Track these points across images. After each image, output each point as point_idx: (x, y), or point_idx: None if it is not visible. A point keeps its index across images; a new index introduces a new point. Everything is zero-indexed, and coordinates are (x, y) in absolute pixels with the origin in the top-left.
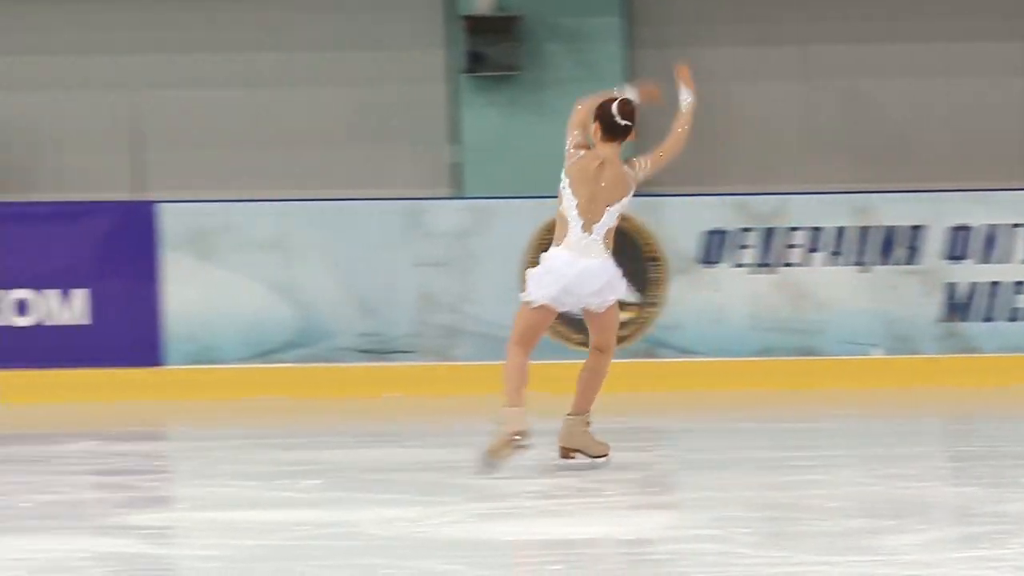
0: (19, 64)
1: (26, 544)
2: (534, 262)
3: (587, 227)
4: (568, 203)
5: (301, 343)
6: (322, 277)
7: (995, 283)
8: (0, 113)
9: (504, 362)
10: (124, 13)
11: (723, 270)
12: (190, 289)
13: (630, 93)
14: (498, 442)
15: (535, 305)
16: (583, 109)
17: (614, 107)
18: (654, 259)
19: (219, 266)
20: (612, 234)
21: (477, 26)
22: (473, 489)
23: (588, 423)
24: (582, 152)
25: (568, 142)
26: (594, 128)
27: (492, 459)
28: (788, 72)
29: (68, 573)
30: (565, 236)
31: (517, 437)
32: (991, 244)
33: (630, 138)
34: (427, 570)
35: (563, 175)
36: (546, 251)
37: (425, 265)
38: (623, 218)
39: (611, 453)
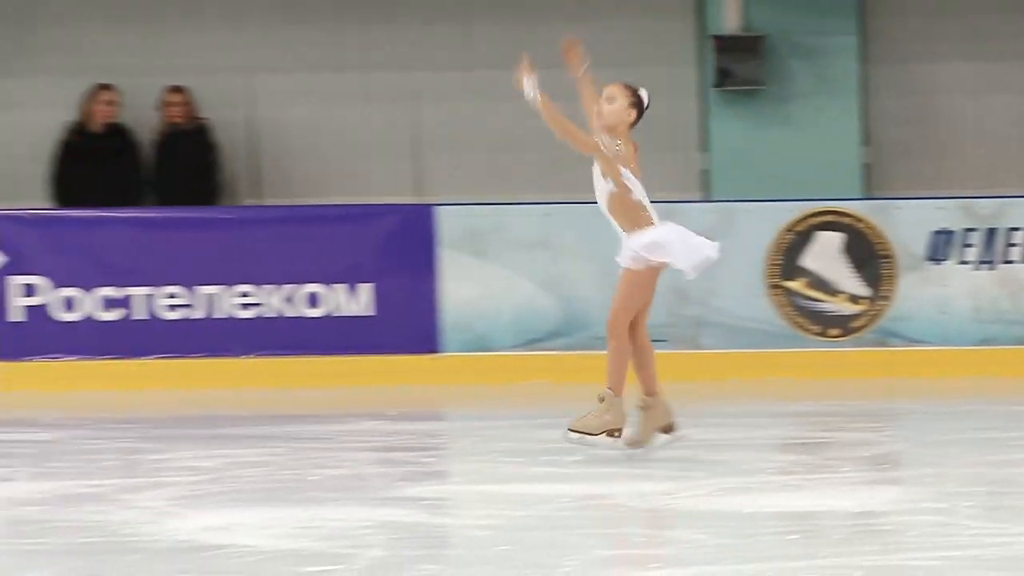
0: (313, 80)
1: (314, 513)
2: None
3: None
4: (638, 189)
5: (564, 332)
6: (583, 272)
7: None
8: (295, 124)
9: (616, 346)
10: (405, 34)
11: (949, 267)
12: (465, 284)
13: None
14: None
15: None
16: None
17: (646, 97)
18: (886, 257)
19: (491, 263)
20: None
21: (725, 45)
22: (719, 465)
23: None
24: (619, 142)
25: (600, 142)
26: (633, 117)
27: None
28: (1012, 85)
29: (352, 540)
30: (650, 217)
31: (617, 433)
32: None
33: None
34: (676, 538)
35: (621, 168)
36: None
37: None
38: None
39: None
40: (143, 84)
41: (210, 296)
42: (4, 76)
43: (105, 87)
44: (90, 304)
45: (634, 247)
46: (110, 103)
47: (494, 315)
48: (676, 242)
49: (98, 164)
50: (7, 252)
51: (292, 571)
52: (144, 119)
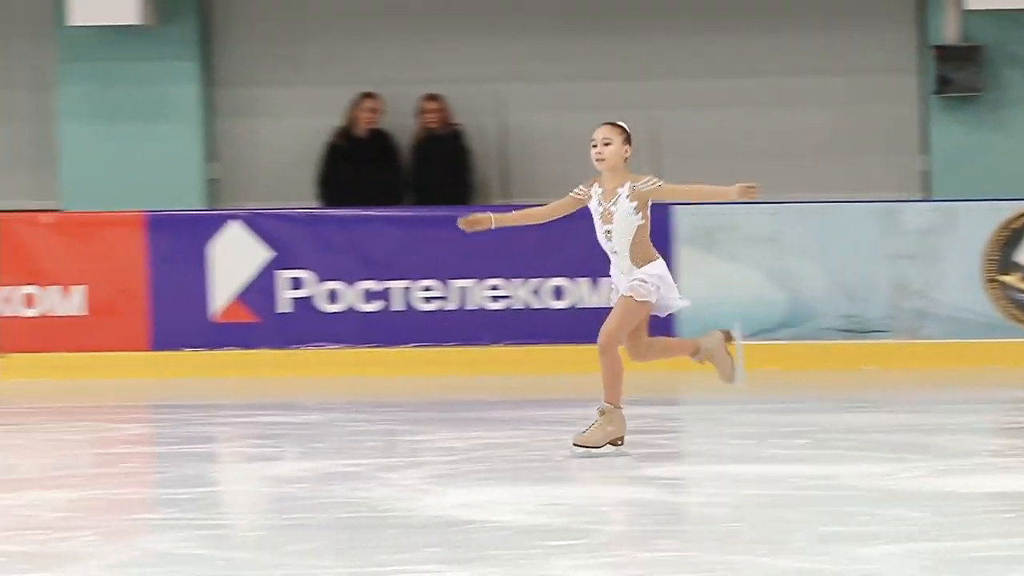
0: (558, 90)
1: (559, 491)
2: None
3: None
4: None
5: (791, 323)
6: (809, 267)
7: None
8: (541, 130)
9: (608, 362)
10: (642, 46)
11: None
12: (698, 277)
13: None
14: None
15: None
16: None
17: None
18: None
19: (723, 258)
20: None
21: (945, 54)
22: (935, 448)
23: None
24: (657, 181)
25: (637, 183)
26: (630, 152)
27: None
28: None
29: (594, 516)
30: (655, 252)
31: (620, 441)
32: None
33: None
34: (896, 517)
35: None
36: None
37: (898, 257)
38: None
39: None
40: (403, 93)
41: (463, 289)
42: (277, 86)
43: (369, 95)
44: (352, 296)
45: (644, 279)
46: (373, 110)
47: (726, 306)
48: (668, 280)
49: (361, 166)
50: (275, 248)
51: (538, 545)
52: (404, 125)
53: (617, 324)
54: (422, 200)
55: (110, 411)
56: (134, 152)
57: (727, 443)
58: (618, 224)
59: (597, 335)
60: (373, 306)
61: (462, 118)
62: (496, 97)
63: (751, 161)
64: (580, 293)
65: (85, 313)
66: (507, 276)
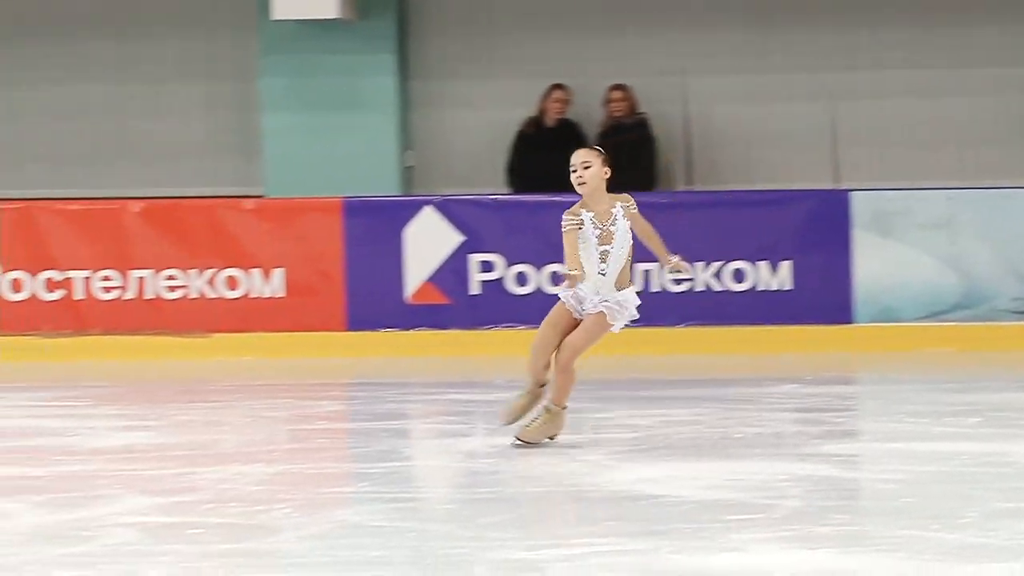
0: (740, 81)
1: (738, 467)
2: None
3: None
4: None
5: (965, 305)
6: (983, 251)
7: None
8: (723, 119)
9: (567, 378)
10: (822, 38)
11: None
12: (875, 261)
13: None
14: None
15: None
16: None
17: None
18: None
19: (898, 242)
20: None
21: None
22: None
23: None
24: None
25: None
26: (609, 173)
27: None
28: None
29: (772, 491)
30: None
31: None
32: None
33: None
34: None
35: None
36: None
37: None
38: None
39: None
40: (590, 84)
41: (646, 272)
42: (469, 79)
43: (557, 87)
44: (539, 279)
45: (621, 302)
46: (562, 101)
47: (901, 289)
48: (630, 307)
49: (549, 155)
50: (466, 232)
51: (718, 519)
52: (591, 114)
53: (584, 342)
54: (607, 187)
55: (307, 389)
56: (333, 141)
57: (902, 421)
58: (617, 244)
59: (774, 317)
60: (559, 288)
61: (647, 107)
62: (680, 88)
63: (926, 149)
64: (759, 276)
65: (284, 295)
66: (689, 260)
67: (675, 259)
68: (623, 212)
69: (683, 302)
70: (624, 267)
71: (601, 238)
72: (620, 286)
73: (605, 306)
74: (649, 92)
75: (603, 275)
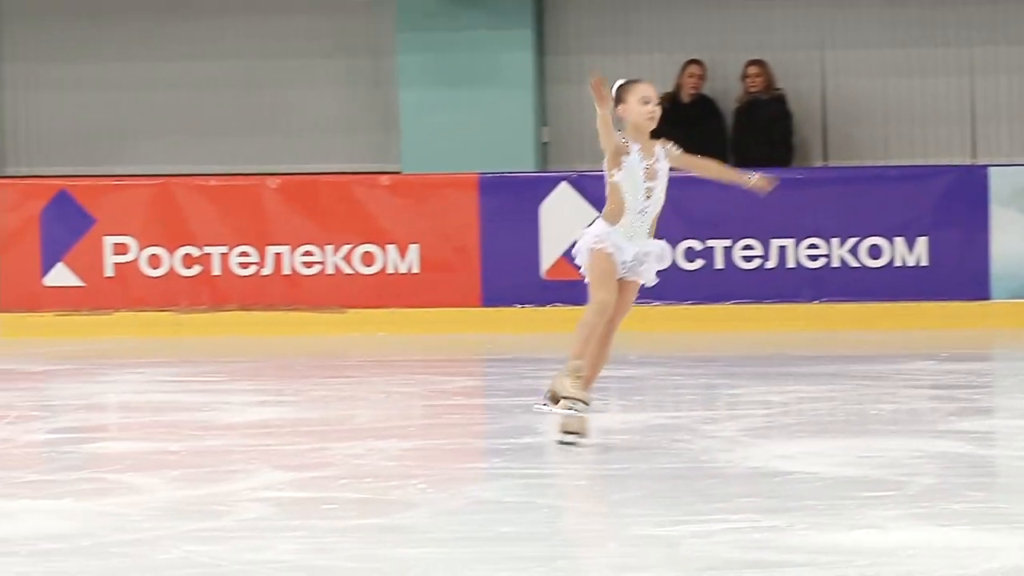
0: (877, 55)
1: (873, 444)
2: None
3: None
4: None
5: None
6: None
7: None
8: (860, 94)
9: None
10: (963, 12)
11: None
12: (1012, 237)
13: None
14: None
15: None
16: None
17: None
18: None
19: None
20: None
21: None
22: None
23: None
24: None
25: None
26: None
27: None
28: None
29: (906, 468)
30: None
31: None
32: None
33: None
34: None
35: None
36: None
37: None
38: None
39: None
40: (727, 59)
41: (782, 248)
42: (605, 54)
43: (693, 62)
44: (674, 255)
45: (660, 255)
46: (697, 76)
47: None
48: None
49: (685, 130)
50: (602, 208)
51: (852, 495)
52: (727, 90)
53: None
54: (743, 162)
55: (442, 364)
56: (469, 117)
57: None
58: (659, 185)
59: (910, 293)
60: (695, 264)
61: (783, 83)
62: (816, 63)
63: None
64: (895, 252)
65: (419, 271)
66: (825, 236)
67: (755, 177)
68: (666, 154)
69: (818, 278)
70: (658, 213)
71: (647, 173)
72: (653, 233)
73: (644, 271)
74: (786, 67)
75: (643, 214)
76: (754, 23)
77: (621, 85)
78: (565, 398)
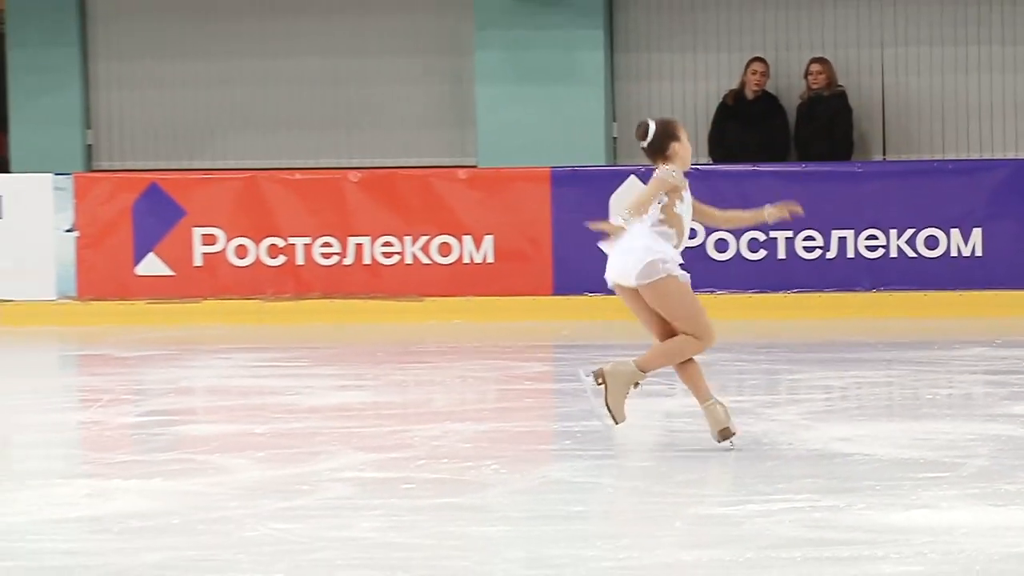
0: (936, 53)
1: (929, 427)
2: None
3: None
4: None
5: None
6: None
7: None
8: (918, 90)
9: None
10: (1020, 9)
11: None
12: None
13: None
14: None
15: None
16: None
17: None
18: None
19: None
20: (667, 219)
21: None
22: None
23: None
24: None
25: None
26: None
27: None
28: None
29: (960, 450)
30: None
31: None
32: None
33: (654, 158)
34: None
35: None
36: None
37: None
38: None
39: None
40: (790, 57)
41: (842, 238)
42: (673, 51)
43: (757, 59)
44: (739, 245)
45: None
46: (760, 73)
47: None
48: None
49: (750, 126)
50: None
51: (908, 477)
52: (790, 87)
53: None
54: (805, 156)
55: (515, 350)
56: (543, 112)
57: None
58: (688, 217)
59: (967, 283)
60: (758, 254)
61: (844, 80)
62: (877, 60)
63: None
64: (952, 243)
65: (494, 261)
66: (883, 227)
67: (768, 208)
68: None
69: (877, 267)
70: None
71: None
72: None
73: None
74: (847, 64)
75: (688, 236)
76: (817, 22)
77: (667, 122)
78: (606, 402)
